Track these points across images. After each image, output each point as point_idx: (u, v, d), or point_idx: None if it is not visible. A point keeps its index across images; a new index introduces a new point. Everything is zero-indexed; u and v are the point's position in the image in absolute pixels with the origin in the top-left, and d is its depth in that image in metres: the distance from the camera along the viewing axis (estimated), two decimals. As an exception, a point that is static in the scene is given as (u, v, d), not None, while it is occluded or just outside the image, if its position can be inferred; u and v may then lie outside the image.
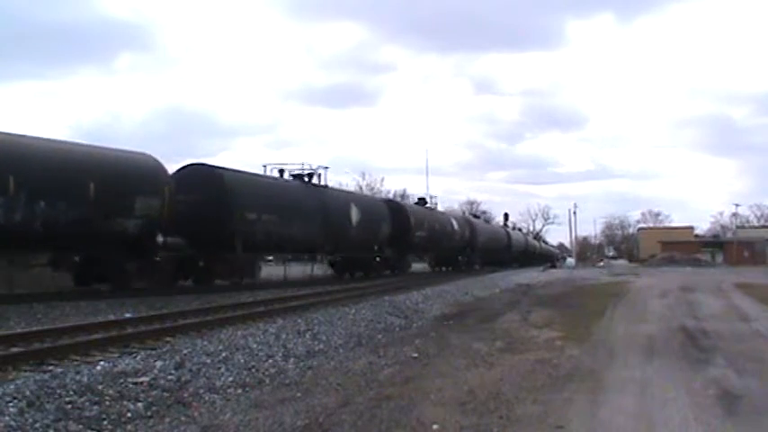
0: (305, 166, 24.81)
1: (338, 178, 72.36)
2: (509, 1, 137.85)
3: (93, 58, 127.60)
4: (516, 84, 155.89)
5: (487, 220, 59.68)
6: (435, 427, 5.40)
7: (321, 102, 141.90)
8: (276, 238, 21.27)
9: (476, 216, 55.30)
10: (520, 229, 74.78)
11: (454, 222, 39.80)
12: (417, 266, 39.95)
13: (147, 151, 18.53)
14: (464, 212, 56.61)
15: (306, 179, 24.64)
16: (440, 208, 48.04)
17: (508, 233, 60.16)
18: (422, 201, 37.64)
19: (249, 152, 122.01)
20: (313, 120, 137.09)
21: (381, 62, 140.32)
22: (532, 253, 72.96)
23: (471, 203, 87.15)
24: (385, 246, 29.24)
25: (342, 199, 27.19)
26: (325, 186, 25.65)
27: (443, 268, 40.53)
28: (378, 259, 29.23)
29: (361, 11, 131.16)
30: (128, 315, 12.09)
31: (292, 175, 24.39)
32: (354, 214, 26.38)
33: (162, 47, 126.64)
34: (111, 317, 11.86)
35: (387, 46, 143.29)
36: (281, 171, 24.08)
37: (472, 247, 42.61)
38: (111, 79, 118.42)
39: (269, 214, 20.87)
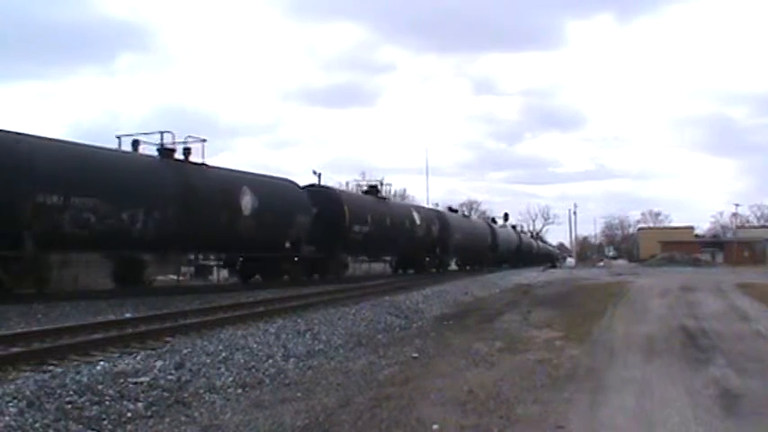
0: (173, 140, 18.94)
1: (338, 178, 72.46)
2: (509, 1, 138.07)
3: (92, 58, 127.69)
4: (516, 84, 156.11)
5: (467, 215, 49.67)
6: (435, 427, 5.40)
7: (321, 102, 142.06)
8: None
9: (453, 210, 46.99)
10: (514, 227, 67.89)
11: (416, 216, 33.34)
12: (378, 268, 35.34)
13: (147, 151, 18.55)
14: (437, 205, 48.16)
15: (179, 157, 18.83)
16: (442, 206, 46.76)
17: (493, 230, 51.09)
18: (372, 189, 31.17)
19: (249, 152, 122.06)
20: (313, 120, 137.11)
21: (381, 62, 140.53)
22: (528, 253, 67.57)
23: (471, 203, 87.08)
24: (304, 243, 23.71)
25: (229, 181, 20.58)
26: (195, 163, 19.36)
27: (404, 270, 34.19)
28: (295, 259, 23.51)
29: (360, 11, 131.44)
30: (128, 315, 12.08)
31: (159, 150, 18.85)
32: (248, 201, 20.64)
33: (162, 47, 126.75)
34: (111, 317, 11.85)
35: (386, 46, 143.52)
36: (136, 142, 18.61)
37: (444, 245, 36.79)
38: (111, 79, 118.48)
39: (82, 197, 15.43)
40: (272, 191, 22.41)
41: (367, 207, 28.08)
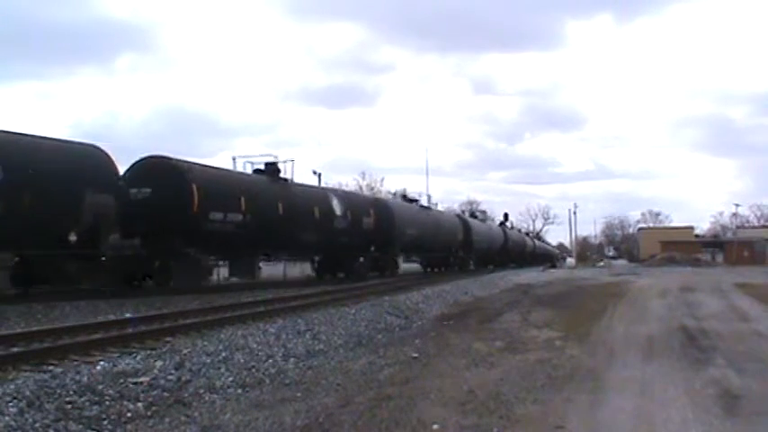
0: None
1: (338, 178, 72.39)
2: (508, 1, 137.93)
3: (93, 59, 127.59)
4: (515, 84, 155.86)
5: (426, 206, 37.28)
6: (435, 426, 5.40)
7: (321, 102, 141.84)
8: None
9: (412, 200, 36.32)
10: (503, 223, 61.87)
11: (336, 204, 25.88)
12: (294, 271, 29.67)
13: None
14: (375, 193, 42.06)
15: None
16: (441, 207, 45.03)
17: (467, 225, 42.93)
18: (271, 166, 23.56)
19: (249, 152, 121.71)
20: (313, 120, 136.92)
21: (380, 62, 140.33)
22: (519, 252, 60.75)
23: (471, 203, 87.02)
24: (108, 235, 17.12)
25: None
26: None
27: (334, 275, 27.16)
28: (102, 259, 16.92)
29: (360, 11, 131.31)
30: (128, 315, 12.09)
31: None
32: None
33: (162, 47, 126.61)
34: (111, 317, 11.86)
35: (386, 46, 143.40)
36: None
37: (386, 242, 29.40)
38: (111, 79, 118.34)
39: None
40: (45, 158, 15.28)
41: (236, 188, 20.47)
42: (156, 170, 18.26)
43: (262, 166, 23.47)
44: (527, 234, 79.37)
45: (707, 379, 7.33)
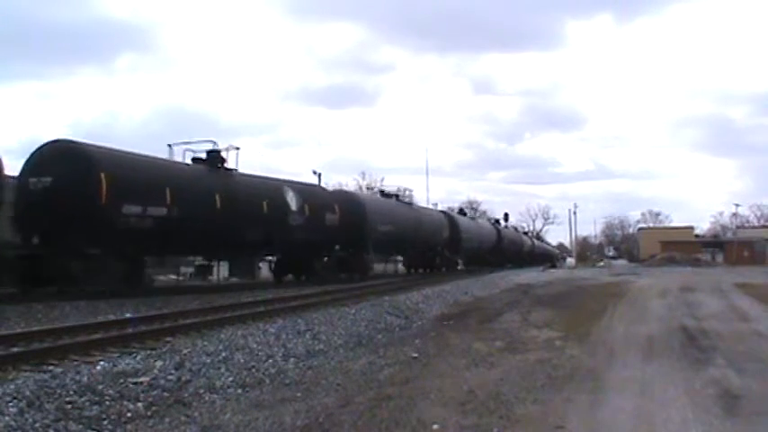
0: None
1: (338, 178, 72.35)
2: (508, 1, 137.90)
3: (93, 59, 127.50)
4: (515, 84, 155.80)
5: (407, 201, 34.70)
6: (435, 426, 5.40)
7: (320, 102, 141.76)
8: None
9: (388, 194, 33.46)
10: (497, 221, 58.20)
11: (291, 197, 23.01)
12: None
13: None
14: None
15: None
16: (442, 207, 44.69)
17: (453, 222, 39.75)
18: (212, 154, 20.69)
19: (249, 152, 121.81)
20: (313, 120, 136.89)
21: (380, 62, 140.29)
22: (515, 252, 57.32)
23: (471, 203, 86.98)
24: None
25: None
26: None
27: (296, 277, 24.89)
28: None
29: (359, 11, 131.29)
30: (128, 315, 12.09)
31: None
32: None
33: (162, 47, 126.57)
34: (111, 317, 11.86)
35: (386, 46, 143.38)
36: None
37: (357, 239, 26.35)
38: (111, 80, 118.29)
39: None
40: None
41: (159, 178, 17.78)
42: (58, 156, 15.96)
43: (203, 155, 20.67)
44: (525, 233, 77.34)
45: (707, 379, 7.33)
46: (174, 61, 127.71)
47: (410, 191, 37.19)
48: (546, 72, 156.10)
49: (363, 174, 74.34)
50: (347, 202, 26.98)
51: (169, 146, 20.50)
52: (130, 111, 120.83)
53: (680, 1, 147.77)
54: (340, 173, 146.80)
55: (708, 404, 6.17)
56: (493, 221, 58.20)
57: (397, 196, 33.55)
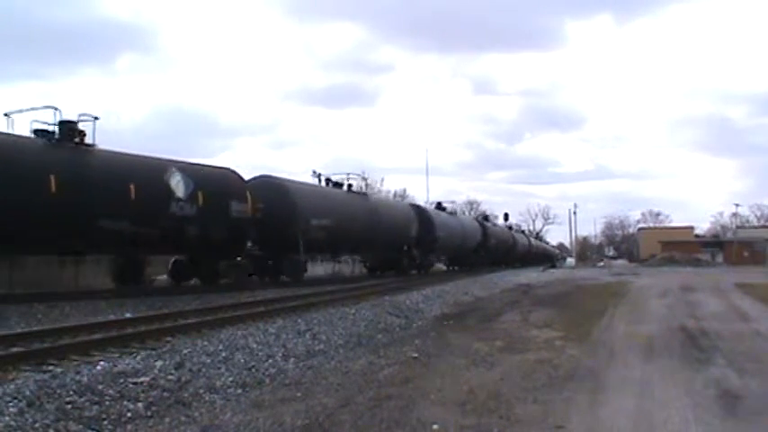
0: None
1: (338, 178, 72.14)
2: (508, 1, 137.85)
3: (93, 59, 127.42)
4: (515, 84, 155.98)
5: (360, 191, 30.95)
6: (435, 426, 5.40)
7: (320, 102, 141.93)
8: None
9: (336, 183, 27.50)
10: (487, 218, 54.06)
11: (178, 181, 18.37)
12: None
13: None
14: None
15: None
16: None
17: (423, 217, 33.83)
18: (66, 126, 16.19)
19: (249, 152, 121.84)
20: (312, 120, 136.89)
21: (380, 62, 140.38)
22: (505, 252, 51.76)
23: (471, 203, 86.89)
24: None
25: None
26: None
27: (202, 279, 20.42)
28: None
29: (359, 11, 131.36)
30: (128, 315, 12.09)
31: None
32: None
33: (162, 47, 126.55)
34: (112, 317, 11.86)
35: (385, 46, 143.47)
36: None
37: (282, 236, 21.63)
38: (112, 80, 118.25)
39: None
40: None
41: None
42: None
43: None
44: (522, 232, 74.07)
45: (707, 379, 7.33)
46: (174, 61, 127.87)
47: (452, 202, 37.24)
48: (546, 72, 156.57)
49: (363, 173, 74.19)
50: (265, 190, 21.43)
51: (6, 115, 16.03)
52: (131, 111, 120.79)
53: (679, 1, 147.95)
54: (340, 173, 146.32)
55: (708, 404, 6.18)
56: (482, 218, 52.45)
57: (349, 186, 28.74)
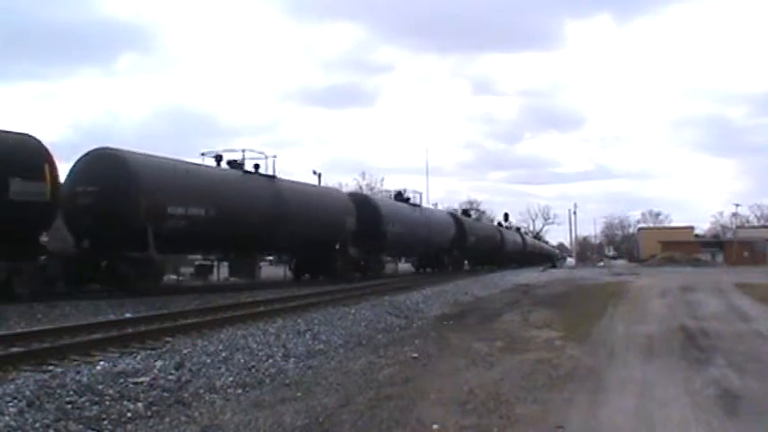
0: None
1: (338, 178, 72.16)
2: (507, 1, 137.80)
3: (93, 59, 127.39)
4: (515, 84, 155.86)
5: (263, 173, 22.67)
6: (435, 426, 5.40)
7: (320, 102, 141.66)
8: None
9: (235, 163, 21.85)
10: (467, 212, 49.26)
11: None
12: None
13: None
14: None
15: None
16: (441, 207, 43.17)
17: (367, 205, 28.85)
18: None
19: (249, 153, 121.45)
20: (312, 120, 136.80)
21: (379, 62, 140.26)
22: (488, 251, 46.49)
23: (471, 203, 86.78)
24: None
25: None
26: None
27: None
28: None
29: (358, 11, 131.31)
30: (128, 315, 12.09)
31: None
32: None
33: (162, 47, 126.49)
34: (112, 317, 11.86)
35: (385, 46, 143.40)
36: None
37: (114, 229, 16.21)
38: (112, 80, 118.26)
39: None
40: None
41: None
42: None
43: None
44: (518, 230, 69.76)
45: (707, 379, 7.33)
46: (174, 62, 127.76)
47: (419, 193, 35.61)
48: (545, 72, 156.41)
49: (363, 174, 74.09)
50: (103, 167, 17.05)
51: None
52: (130, 111, 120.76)
53: (679, 1, 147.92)
54: (340, 173, 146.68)
55: (708, 404, 6.18)
56: (462, 212, 47.93)
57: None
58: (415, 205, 34.69)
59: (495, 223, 60.62)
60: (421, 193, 36.83)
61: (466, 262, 44.13)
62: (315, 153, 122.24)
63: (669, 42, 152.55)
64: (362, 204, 28.46)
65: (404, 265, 40.24)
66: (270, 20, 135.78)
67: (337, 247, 25.58)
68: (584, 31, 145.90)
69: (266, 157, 22.48)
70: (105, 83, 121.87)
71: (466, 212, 48.26)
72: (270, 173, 22.54)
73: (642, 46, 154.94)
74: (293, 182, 25.07)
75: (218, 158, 21.23)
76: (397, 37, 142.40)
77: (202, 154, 21.17)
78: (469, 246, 40.72)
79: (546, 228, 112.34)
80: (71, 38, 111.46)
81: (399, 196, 34.65)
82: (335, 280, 23.96)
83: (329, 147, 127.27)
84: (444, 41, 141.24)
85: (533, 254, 71.24)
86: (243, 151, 21.96)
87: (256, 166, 22.36)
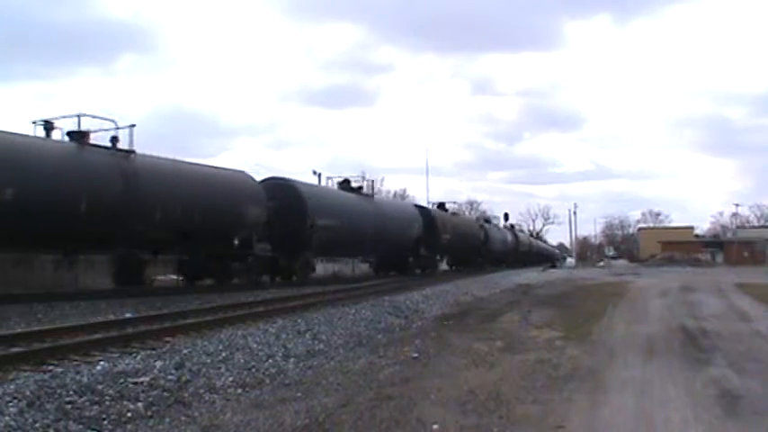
0: None
1: (338, 178, 71.83)
2: (507, 1, 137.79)
3: (93, 59, 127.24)
4: (514, 84, 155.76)
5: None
6: (435, 426, 5.40)
7: (320, 102, 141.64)
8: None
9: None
10: (442, 205, 41.73)
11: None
12: None
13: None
14: None
15: None
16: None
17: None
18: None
19: (249, 152, 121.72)
20: (312, 120, 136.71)
21: (379, 62, 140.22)
22: (463, 249, 40.51)
23: (471, 203, 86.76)
24: None
25: None
26: None
27: None
28: None
29: (358, 12, 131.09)
30: (128, 315, 12.08)
31: None
32: None
33: (162, 48, 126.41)
34: (112, 317, 11.85)
35: (384, 46, 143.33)
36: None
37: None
38: (112, 80, 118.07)
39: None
40: None
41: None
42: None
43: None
44: (511, 227, 62.75)
45: (707, 379, 7.33)
46: (173, 61, 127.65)
47: (371, 181, 32.02)
48: (545, 72, 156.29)
49: (363, 174, 74.03)
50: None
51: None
52: (130, 111, 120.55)
53: (678, 2, 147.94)
54: (340, 173, 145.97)
55: (708, 404, 6.18)
56: (437, 205, 41.43)
57: (359, 188, 29.04)
58: (366, 195, 29.58)
59: (500, 224, 58.99)
60: (373, 181, 34.44)
61: (445, 263, 40.98)
62: (315, 153, 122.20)
63: (668, 43, 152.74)
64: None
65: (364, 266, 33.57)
66: (270, 20, 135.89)
67: (236, 242, 20.29)
68: (584, 31, 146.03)
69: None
70: (105, 83, 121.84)
71: (441, 206, 41.78)
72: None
73: (642, 46, 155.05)
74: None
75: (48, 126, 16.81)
76: (396, 37, 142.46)
77: (33, 122, 16.76)
78: (443, 244, 35.79)
79: (546, 228, 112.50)
80: (71, 38, 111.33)
81: (346, 184, 29.09)
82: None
83: (329, 147, 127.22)
84: (444, 41, 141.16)
85: (534, 254, 71.14)
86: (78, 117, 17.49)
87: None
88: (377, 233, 28.01)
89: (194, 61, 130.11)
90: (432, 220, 34.00)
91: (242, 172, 22.45)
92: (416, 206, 36.53)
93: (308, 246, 23.12)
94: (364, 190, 29.56)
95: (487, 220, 51.99)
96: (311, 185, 26.30)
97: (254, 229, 20.87)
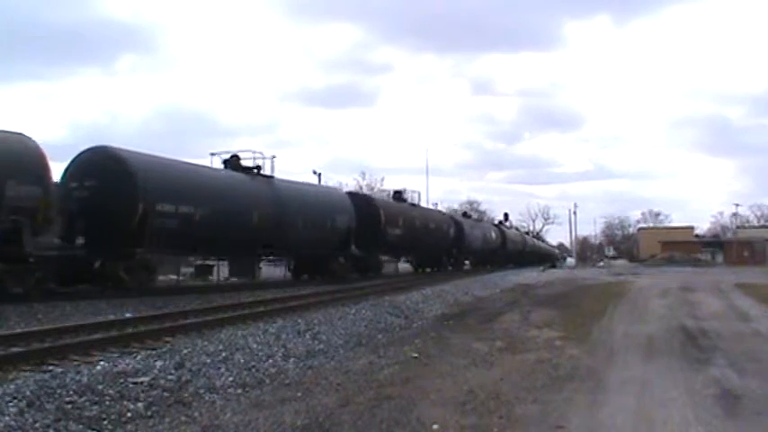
0: None
1: (338, 178, 72.02)
2: (507, 1, 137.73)
3: (93, 59, 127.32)
4: (514, 84, 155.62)
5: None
6: (435, 427, 5.40)
7: (320, 102, 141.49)
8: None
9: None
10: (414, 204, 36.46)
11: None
12: None
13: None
14: None
15: None
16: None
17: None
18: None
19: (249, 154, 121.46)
20: (312, 120, 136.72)
21: (379, 63, 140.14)
22: (434, 246, 36.65)
23: (471, 203, 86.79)
24: None
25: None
26: None
27: None
28: None
29: (358, 12, 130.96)
30: (128, 315, 12.09)
31: None
32: None
33: (162, 48, 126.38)
34: (111, 317, 11.86)
35: (384, 47, 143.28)
36: None
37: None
38: (111, 80, 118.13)
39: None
40: None
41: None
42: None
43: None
44: (517, 229, 66.19)
45: (707, 379, 7.32)
46: (173, 62, 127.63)
47: (417, 192, 34.93)
48: (545, 72, 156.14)
49: (363, 174, 73.98)
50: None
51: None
52: (130, 111, 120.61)
53: (677, 2, 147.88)
54: (340, 173, 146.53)
55: (708, 404, 6.18)
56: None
57: (405, 199, 33.68)
58: (413, 205, 34.30)
59: (497, 223, 60.13)
60: (419, 192, 36.46)
61: (467, 262, 45.78)
62: (315, 153, 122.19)
63: (668, 43, 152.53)
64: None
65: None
66: (269, 20, 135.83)
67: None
68: (584, 31, 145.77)
69: (264, 158, 22.68)
70: (105, 83, 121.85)
71: (465, 214, 50.50)
72: (268, 173, 22.71)
73: (641, 46, 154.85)
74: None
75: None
76: (396, 37, 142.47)
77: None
78: (469, 246, 41.61)
79: (546, 228, 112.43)
80: (71, 38, 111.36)
81: (398, 195, 34.11)
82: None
83: (329, 147, 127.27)
84: (444, 42, 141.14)
85: (533, 254, 71.15)
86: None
87: (258, 168, 22.59)
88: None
89: (194, 61, 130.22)
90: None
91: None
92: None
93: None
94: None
95: (466, 215, 49.47)
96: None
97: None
